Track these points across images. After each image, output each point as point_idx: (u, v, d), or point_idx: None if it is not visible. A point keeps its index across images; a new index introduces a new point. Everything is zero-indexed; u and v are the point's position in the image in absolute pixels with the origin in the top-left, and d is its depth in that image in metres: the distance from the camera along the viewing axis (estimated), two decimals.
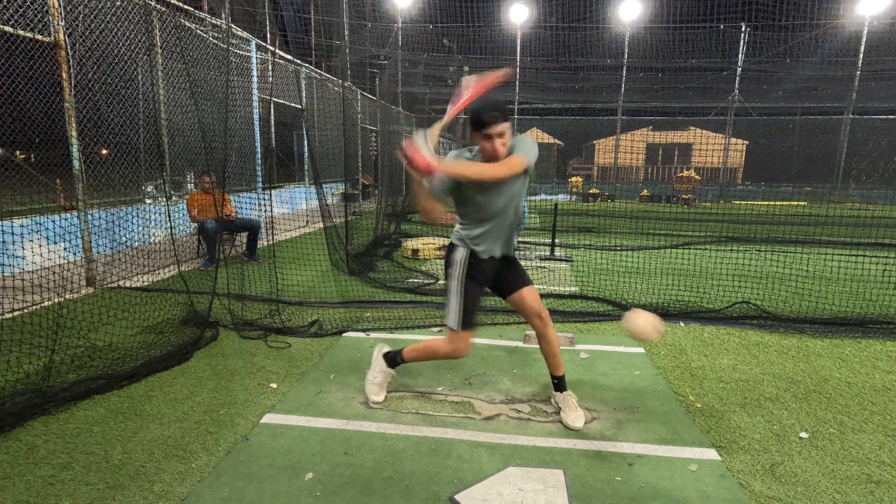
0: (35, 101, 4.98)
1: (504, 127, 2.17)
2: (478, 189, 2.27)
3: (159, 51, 6.31)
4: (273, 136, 9.79)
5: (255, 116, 8.22)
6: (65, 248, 5.02)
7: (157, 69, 6.36)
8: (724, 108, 17.60)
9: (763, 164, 19.23)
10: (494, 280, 2.52)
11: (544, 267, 6.20)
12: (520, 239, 7.75)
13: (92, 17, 5.10)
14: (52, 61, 4.61)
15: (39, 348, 3.05)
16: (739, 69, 16.86)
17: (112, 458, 2.15)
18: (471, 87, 2.30)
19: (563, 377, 2.62)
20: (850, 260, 6.20)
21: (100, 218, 5.62)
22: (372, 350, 3.35)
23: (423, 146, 2.01)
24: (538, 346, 3.45)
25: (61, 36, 4.55)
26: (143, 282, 4.98)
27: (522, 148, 2.21)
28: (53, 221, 4.84)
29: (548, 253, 6.82)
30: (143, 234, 6.45)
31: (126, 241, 6.10)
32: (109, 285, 4.86)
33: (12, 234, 4.64)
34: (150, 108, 6.25)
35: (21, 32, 4.55)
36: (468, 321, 2.38)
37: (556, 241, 6.94)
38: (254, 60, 8.33)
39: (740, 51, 16.56)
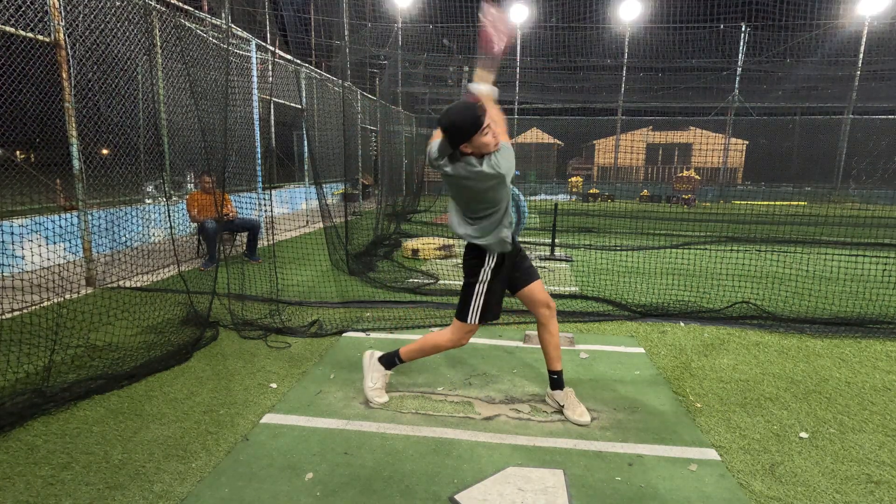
0: (35, 101, 4.98)
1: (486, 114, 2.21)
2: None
3: (159, 51, 6.31)
4: (273, 136, 9.79)
5: (255, 116, 8.22)
6: (65, 248, 5.02)
7: (157, 69, 6.36)
8: (724, 108, 17.60)
9: (763, 164, 19.23)
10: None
11: (544, 267, 6.20)
12: (520, 239, 7.74)
13: (92, 17, 5.10)
14: (52, 61, 4.61)
15: (39, 348, 3.05)
16: (739, 69, 16.86)
17: (112, 458, 2.15)
18: (499, 30, 2.36)
19: (562, 373, 2.63)
20: (850, 260, 6.20)
21: (100, 218, 5.62)
22: (371, 349, 3.35)
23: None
24: (538, 346, 3.45)
25: (61, 36, 4.55)
26: (143, 282, 4.98)
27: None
28: (53, 221, 4.84)
29: (548, 253, 6.82)
30: (143, 234, 6.45)
31: (126, 241, 6.10)
32: (109, 285, 4.86)
33: (12, 234, 4.65)
34: (150, 108, 6.25)
35: (21, 32, 4.55)
36: (485, 314, 2.47)
37: (556, 241, 6.94)
38: (254, 60, 8.33)
39: (740, 51, 16.56)
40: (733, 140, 18.66)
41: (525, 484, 2.03)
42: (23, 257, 4.73)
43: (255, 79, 8.34)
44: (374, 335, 3.68)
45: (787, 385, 2.95)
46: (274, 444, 2.29)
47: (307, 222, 9.69)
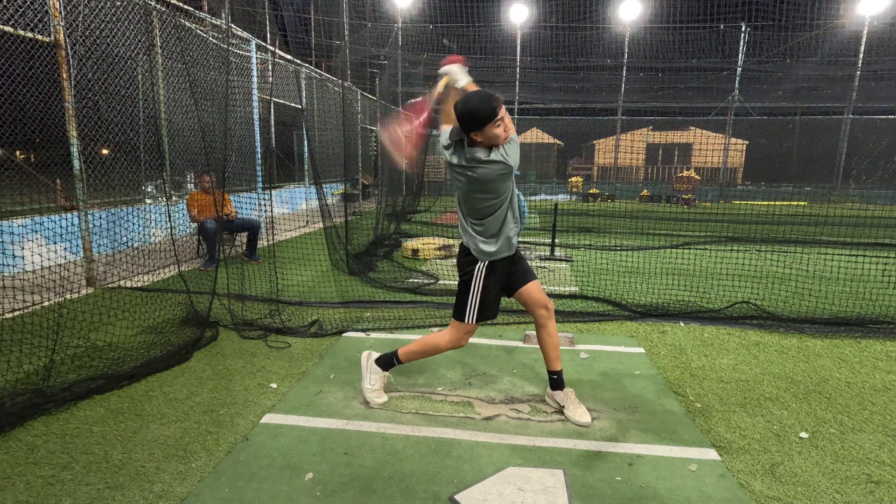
0: (35, 101, 4.98)
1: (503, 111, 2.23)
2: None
3: (159, 51, 6.31)
4: (273, 136, 9.80)
5: (255, 116, 8.22)
6: (65, 248, 5.03)
7: (157, 69, 6.36)
8: (724, 108, 17.59)
9: (763, 164, 19.22)
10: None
11: (544, 267, 6.20)
12: (520, 239, 7.74)
13: (92, 17, 5.10)
14: (52, 61, 4.61)
15: (39, 348, 3.05)
16: (739, 69, 16.86)
17: (112, 458, 2.15)
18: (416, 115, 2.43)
19: (561, 373, 2.63)
20: (850, 260, 6.20)
21: (100, 218, 5.62)
22: (372, 350, 3.36)
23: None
24: (538, 346, 3.45)
25: (61, 36, 4.55)
26: (143, 282, 4.98)
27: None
28: (53, 221, 4.84)
29: (548, 253, 6.82)
30: (143, 234, 6.45)
31: (126, 241, 6.10)
32: (109, 285, 4.86)
33: (12, 234, 4.65)
34: (150, 108, 6.25)
35: (21, 32, 4.55)
36: (481, 313, 2.48)
37: (556, 241, 6.94)
38: (254, 60, 8.33)
39: (740, 51, 16.56)
40: (733, 140, 18.65)
41: (525, 484, 2.03)
42: (23, 257, 4.73)
43: (255, 79, 8.34)
44: (374, 335, 3.68)
45: (787, 385, 2.95)
46: (274, 444, 2.29)
47: (307, 222, 9.69)
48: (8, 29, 4.48)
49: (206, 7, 12.29)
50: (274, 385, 2.86)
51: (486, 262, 2.45)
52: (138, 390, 2.76)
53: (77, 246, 4.90)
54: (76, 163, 4.66)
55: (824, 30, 15.60)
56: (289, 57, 9.64)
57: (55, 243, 4.95)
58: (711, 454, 2.25)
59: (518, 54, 17.55)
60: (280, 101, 10.09)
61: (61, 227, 4.86)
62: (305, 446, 2.27)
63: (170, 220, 4.45)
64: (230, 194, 6.53)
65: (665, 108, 18.86)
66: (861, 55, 15.81)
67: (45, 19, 4.61)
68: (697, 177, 16.54)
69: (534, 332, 3.61)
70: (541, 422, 2.52)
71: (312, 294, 4.74)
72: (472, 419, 2.53)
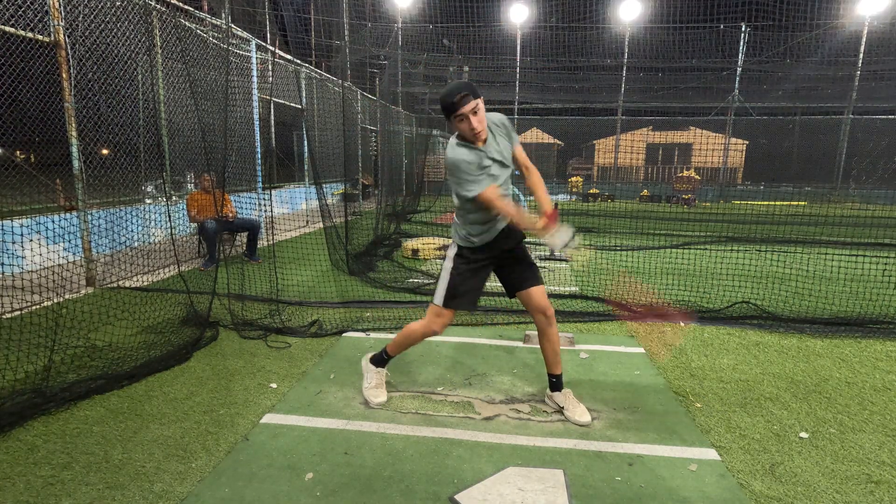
0: (35, 101, 4.98)
1: (475, 104, 2.21)
2: (498, 174, 2.40)
3: (159, 51, 6.31)
4: (273, 136, 9.79)
5: (255, 116, 8.22)
6: (65, 248, 5.03)
7: (157, 69, 6.36)
8: (724, 108, 17.59)
9: (763, 164, 19.22)
10: (501, 274, 2.56)
11: (544, 267, 6.20)
12: None
13: (92, 17, 5.09)
14: (52, 61, 4.61)
15: (39, 348, 3.05)
16: (739, 69, 16.85)
17: (112, 458, 2.15)
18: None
19: (561, 376, 2.63)
20: (850, 260, 6.20)
21: (100, 218, 5.62)
22: (371, 350, 3.36)
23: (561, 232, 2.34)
24: (538, 346, 3.45)
25: (61, 36, 4.55)
26: (143, 282, 4.98)
27: (502, 140, 2.35)
28: (53, 221, 4.84)
29: (548, 253, 6.82)
30: (143, 234, 6.45)
31: (126, 241, 6.10)
32: (109, 285, 4.86)
33: (12, 234, 4.65)
34: (150, 108, 6.25)
35: (21, 32, 4.55)
36: (459, 302, 2.48)
37: None
38: (254, 60, 8.33)
39: (740, 51, 16.55)
40: (733, 140, 18.65)
41: (525, 484, 2.03)
42: (23, 257, 4.73)
43: (255, 79, 8.34)
44: (374, 335, 3.68)
45: (787, 385, 2.95)
46: (274, 444, 2.29)
47: (307, 222, 9.69)
48: (8, 29, 4.48)
49: (206, 7, 12.29)
50: (274, 385, 2.86)
51: (457, 247, 2.51)
52: (138, 390, 2.76)
53: (77, 246, 4.90)
54: (76, 163, 4.66)
55: (824, 30, 15.60)
56: (289, 57, 9.64)
57: (55, 243, 4.95)
58: (711, 454, 2.25)
59: (518, 54, 17.55)
60: (280, 101, 10.09)
61: (61, 227, 4.86)
62: (305, 446, 2.27)
63: (170, 220, 4.46)
64: (230, 194, 6.52)
65: (665, 108, 18.87)
66: (861, 55, 15.80)
67: (45, 19, 4.61)
68: (697, 177, 16.54)
69: (534, 332, 3.61)
70: (541, 422, 2.52)
71: (312, 294, 4.74)
72: (472, 419, 2.53)
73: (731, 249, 7.00)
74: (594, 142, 21.20)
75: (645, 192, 17.40)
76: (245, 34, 8.18)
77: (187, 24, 6.65)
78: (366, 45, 12.53)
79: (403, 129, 14.67)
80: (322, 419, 2.51)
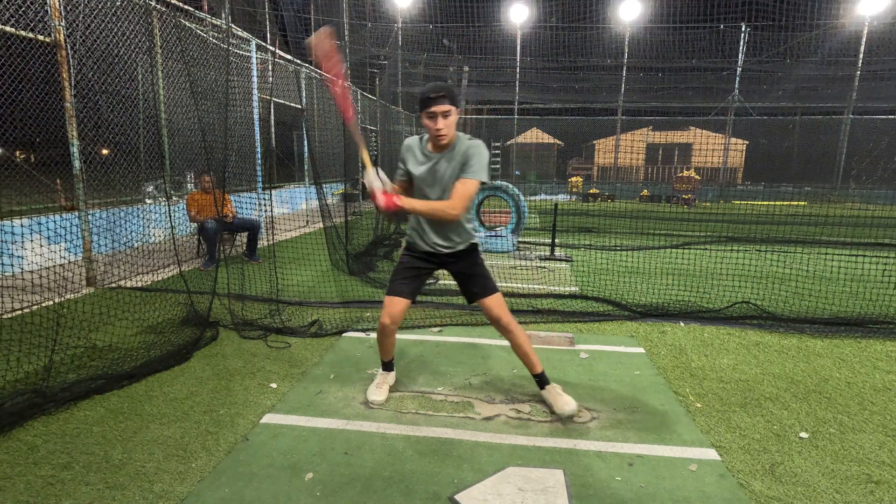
0: (35, 101, 4.98)
1: (446, 108, 2.26)
2: (421, 174, 2.45)
3: (159, 51, 6.31)
4: (273, 136, 9.79)
5: (255, 116, 8.22)
6: (65, 248, 5.03)
7: (157, 69, 6.36)
8: (724, 108, 17.60)
9: (763, 164, 19.22)
10: (456, 280, 2.65)
11: (544, 267, 6.20)
12: (520, 239, 7.75)
13: (92, 17, 5.10)
14: (52, 61, 4.61)
15: (39, 348, 3.05)
16: (739, 69, 16.86)
17: (112, 458, 2.15)
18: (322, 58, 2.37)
19: (543, 373, 2.65)
20: (850, 260, 6.20)
21: (100, 218, 5.62)
22: (371, 350, 3.36)
23: (378, 188, 2.27)
24: (538, 346, 3.46)
25: (61, 36, 4.55)
26: (144, 282, 4.98)
27: (475, 160, 2.32)
28: (53, 221, 4.84)
29: (548, 253, 6.82)
30: (143, 234, 6.45)
31: (126, 241, 6.10)
32: (109, 285, 4.86)
33: (12, 233, 4.65)
34: (150, 108, 6.25)
35: (21, 32, 4.55)
36: (391, 287, 2.58)
37: (556, 241, 6.95)
38: (254, 60, 8.33)
39: (740, 51, 16.56)
40: (733, 140, 18.65)
41: (525, 484, 2.03)
42: (23, 257, 4.73)
43: (255, 79, 8.34)
44: (373, 335, 3.68)
45: (787, 385, 2.95)
46: (274, 444, 2.29)
47: (307, 222, 9.69)
48: (8, 29, 4.48)
49: (206, 7, 12.28)
50: (274, 385, 2.86)
51: (406, 245, 2.68)
52: (138, 390, 2.76)
53: (77, 246, 4.90)
54: (76, 163, 4.66)
55: (824, 30, 15.60)
56: (289, 57, 9.64)
57: (55, 243, 4.94)
58: (711, 454, 2.25)
59: (518, 54, 17.55)
60: (280, 101, 10.09)
61: (61, 227, 4.86)
62: (305, 446, 2.27)
63: (170, 220, 4.45)
64: (230, 194, 6.52)
65: (665, 108, 18.88)
66: (861, 55, 15.80)
67: (45, 19, 4.61)
68: (697, 177, 16.54)
69: (534, 333, 3.62)
70: (541, 422, 2.52)
71: (312, 294, 4.74)
72: (472, 419, 2.53)
73: (731, 249, 7.00)
74: (594, 142, 21.21)
75: (645, 192, 17.40)
76: (245, 34, 8.18)
77: (187, 24, 6.65)
78: (366, 45, 12.53)
79: (403, 129, 14.67)
80: (322, 419, 2.51)
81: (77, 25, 4.94)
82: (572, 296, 4.75)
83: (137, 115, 6.16)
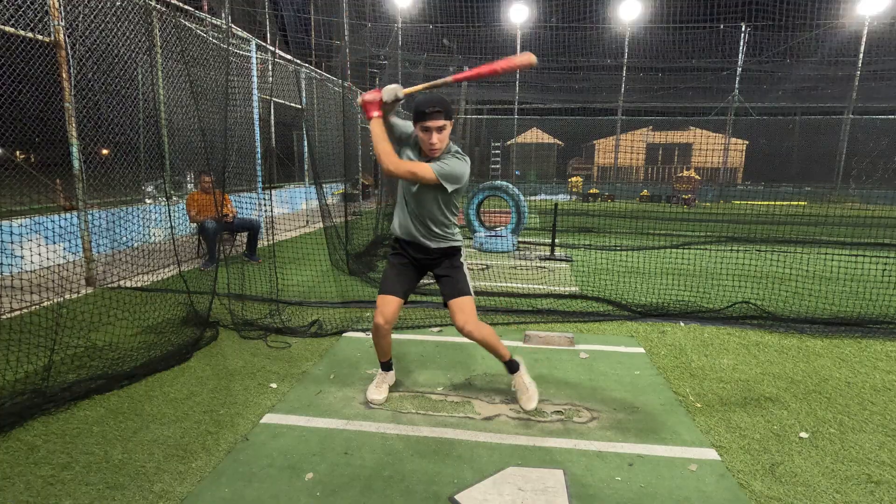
0: (35, 101, 4.98)
1: (441, 123, 2.29)
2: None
3: (159, 51, 6.31)
4: (273, 136, 9.80)
5: (255, 116, 8.22)
6: (65, 248, 5.02)
7: (157, 69, 6.36)
8: (724, 108, 17.59)
9: (763, 164, 19.20)
10: (435, 279, 2.65)
11: (544, 267, 6.20)
12: (520, 239, 7.75)
13: (92, 17, 5.10)
14: (52, 61, 4.61)
15: (39, 348, 3.05)
16: (739, 69, 16.85)
17: (112, 458, 2.15)
18: (500, 61, 2.34)
19: (512, 361, 2.66)
20: (850, 260, 6.20)
21: (100, 218, 5.62)
22: (371, 350, 3.36)
23: (383, 90, 2.31)
24: (538, 346, 3.46)
25: (61, 36, 4.55)
26: (143, 282, 4.98)
27: (447, 166, 2.33)
28: (53, 221, 4.84)
29: (548, 253, 6.82)
30: (143, 234, 6.45)
31: (126, 241, 6.10)
32: (109, 285, 4.86)
33: (12, 234, 4.65)
34: (150, 108, 6.25)
35: (21, 32, 4.55)
36: (382, 287, 2.58)
37: (556, 241, 6.94)
38: (254, 60, 8.33)
39: (740, 51, 16.55)
40: (733, 140, 18.64)
41: (525, 484, 2.03)
42: (23, 257, 4.73)
43: (255, 79, 8.34)
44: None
45: (787, 385, 2.95)
46: (274, 444, 2.29)
47: (307, 222, 9.69)
48: (8, 29, 4.48)
49: (206, 7, 12.28)
50: (274, 385, 2.86)
51: (392, 242, 2.67)
52: (138, 390, 2.76)
53: (77, 246, 4.90)
54: (76, 163, 4.65)
55: (824, 30, 15.60)
56: (289, 57, 9.64)
57: (55, 243, 4.94)
58: (711, 454, 2.25)
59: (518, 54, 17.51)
60: (280, 101, 10.09)
61: (61, 227, 4.86)
62: (305, 446, 2.27)
63: (170, 220, 4.45)
64: (230, 194, 6.52)
65: (665, 108, 18.85)
66: (861, 55, 15.80)
67: (45, 19, 4.61)
68: (697, 177, 16.53)
69: (534, 333, 3.62)
70: (541, 422, 2.52)
71: (312, 294, 4.74)
72: (472, 419, 2.53)
73: (731, 249, 7.00)
74: (594, 142, 21.20)
75: (645, 192, 17.40)
76: (245, 34, 8.18)
77: (187, 24, 6.65)
78: (366, 45, 12.53)
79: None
80: (322, 419, 2.51)
81: (77, 25, 4.94)
82: (572, 296, 4.75)
83: (137, 115, 6.16)
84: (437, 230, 2.51)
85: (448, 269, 2.58)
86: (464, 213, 7.92)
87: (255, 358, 3.24)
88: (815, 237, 8.37)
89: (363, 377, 2.98)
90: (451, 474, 2.09)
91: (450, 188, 2.34)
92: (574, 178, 18.68)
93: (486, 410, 2.63)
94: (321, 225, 6.46)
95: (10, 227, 4.74)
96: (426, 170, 2.30)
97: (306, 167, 12.02)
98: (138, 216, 6.41)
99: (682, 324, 4.02)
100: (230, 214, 5.87)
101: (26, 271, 4.73)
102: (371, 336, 2.71)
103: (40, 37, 4.63)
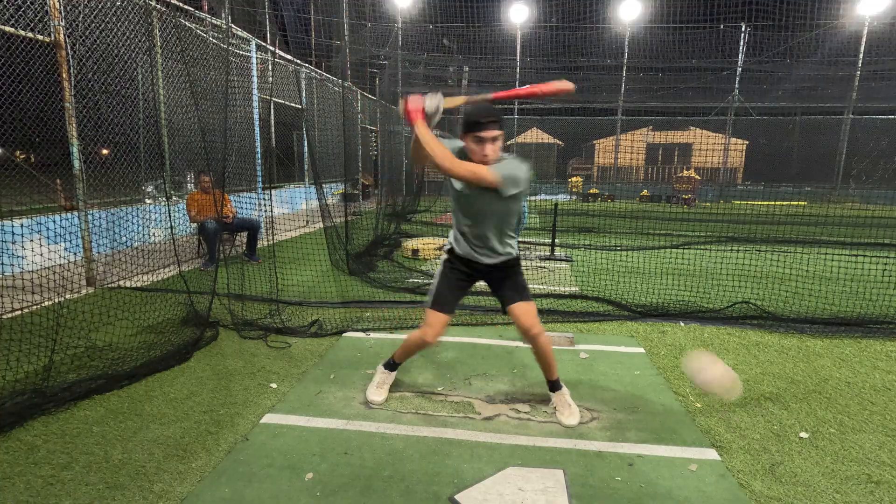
0: (35, 101, 4.98)
1: (497, 133, 2.22)
2: (460, 187, 2.37)
3: (159, 51, 6.31)
4: (273, 136, 9.80)
5: (255, 116, 8.22)
6: (65, 248, 5.02)
7: (157, 69, 6.36)
8: (724, 108, 17.59)
9: (763, 164, 19.20)
10: (490, 286, 2.59)
11: (544, 267, 6.20)
12: (520, 239, 7.75)
13: (92, 17, 5.10)
14: (52, 61, 4.61)
15: (39, 348, 3.05)
16: (739, 69, 16.85)
17: (112, 458, 2.15)
18: (540, 85, 2.31)
19: (558, 380, 2.63)
20: (850, 260, 6.20)
21: (100, 218, 5.62)
22: (371, 350, 3.37)
23: (426, 99, 2.22)
24: None
25: (61, 36, 4.55)
26: (143, 282, 4.98)
27: (506, 168, 2.24)
28: (53, 221, 4.84)
29: (548, 253, 6.82)
30: (143, 234, 6.45)
31: (126, 241, 6.10)
32: (109, 285, 4.86)
33: (12, 234, 4.64)
34: (150, 108, 6.25)
35: (21, 32, 4.55)
36: (435, 300, 2.51)
37: (556, 241, 6.94)
38: (254, 60, 8.33)
39: (740, 51, 16.55)
40: (733, 140, 18.64)
41: (525, 484, 2.03)
42: (23, 257, 4.73)
43: (255, 79, 8.34)
44: (374, 335, 3.68)
45: (787, 385, 2.95)
46: (274, 444, 2.29)
47: (307, 222, 9.69)
48: (8, 29, 4.48)
49: (206, 7, 12.28)
50: (274, 385, 2.86)
51: (446, 255, 2.58)
52: (138, 390, 2.76)
53: (77, 246, 4.90)
54: (76, 163, 4.66)
55: (824, 30, 15.59)
56: (289, 57, 9.64)
57: (55, 243, 4.94)
58: (711, 454, 2.25)
59: (518, 54, 17.54)
60: (280, 101, 10.09)
61: (61, 227, 4.85)
62: (305, 446, 2.27)
63: (170, 220, 4.45)
64: (230, 194, 6.53)
65: (665, 108, 18.85)
66: (861, 55, 15.80)
67: (45, 19, 4.61)
68: (697, 177, 16.53)
69: None
70: (541, 422, 2.52)
71: (312, 294, 4.74)
72: (472, 419, 2.53)
73: (731, 249, 7.00)
74: (594, 142, 21.20)
75: (645, 192, 17.40)
76: (245, 34, 8.18)
77: (187, 24, 6.65)
78: (366, 45, 12.52)
79: (403, 129, 14.66)
80: (322, 419, 2.51)
81: (77, 25, 4.94)
82: (572, 296, 4.75)
83: (137, 115, 6.16)
84: (497, 246, 2.44)
85: (511, 274, 2.54)
86: None
87: (255, 358, 3.24)
88: (815, 237, 8.37)
89: (363, 377, 2.98)
90: (451, 474, 2.09)
91: (511, 191, 2.25)
92: (574, 178, 18.67)
93: (486, 410, 2.63)
94: (321, 225, 6.46)
95: (11, 227, 4.74)
96: (486, 171, 2.20)
97: (306, 167, 12.02)
98: (138, 216, 6.41)
99: (682, 324, 4.02)
100: (230, 214, 5.87)
101: (27, 271, 4.73)
102: (407, 341, 2.63)
103: (40, 37, 4.63)
